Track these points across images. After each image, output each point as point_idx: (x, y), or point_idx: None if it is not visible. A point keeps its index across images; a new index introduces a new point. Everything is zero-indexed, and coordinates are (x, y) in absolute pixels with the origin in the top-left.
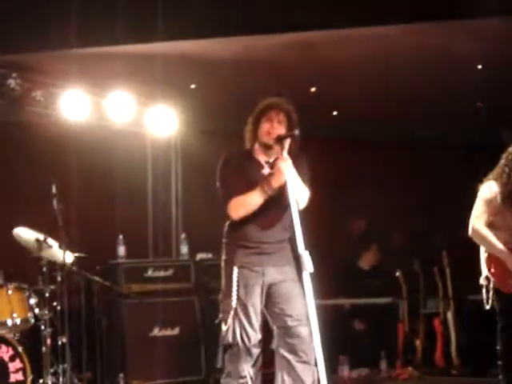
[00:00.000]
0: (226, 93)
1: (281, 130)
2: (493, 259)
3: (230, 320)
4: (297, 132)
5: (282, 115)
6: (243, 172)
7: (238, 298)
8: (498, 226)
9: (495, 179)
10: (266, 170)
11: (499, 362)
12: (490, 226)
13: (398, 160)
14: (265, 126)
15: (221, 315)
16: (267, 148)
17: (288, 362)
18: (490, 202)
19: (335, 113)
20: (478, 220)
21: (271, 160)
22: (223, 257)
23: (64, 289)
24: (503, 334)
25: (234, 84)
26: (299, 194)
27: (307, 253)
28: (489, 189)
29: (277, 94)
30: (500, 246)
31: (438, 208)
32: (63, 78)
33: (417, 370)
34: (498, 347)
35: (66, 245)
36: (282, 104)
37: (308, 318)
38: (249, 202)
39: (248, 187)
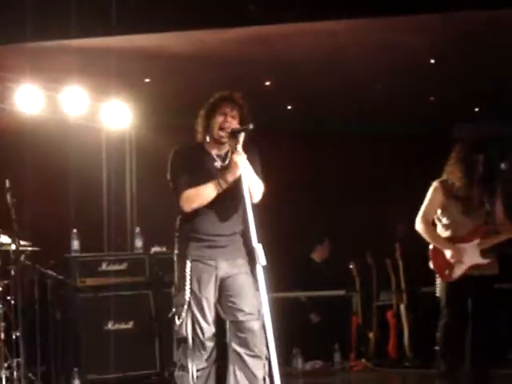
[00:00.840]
0: (180, 87)
1: (234, 123)
2: (433, 251)
3: (183, 314)
4: (251, 126)
5: (235, 109)
6: (194, 165)
7: (192, 291)
8: (444, 221)
9: (443, 177)
10: (218, 164)
11: (436, 348)
12: (438, 220)
13: (351, 151)
14: (218, 120)
15: (174, 309)
16: (220, 142)
17: (239, 355)
18: (434, 200)
19: (289, 107)
20: (422, 215)
21: (223, 153)
22: (176, 250)
23: (18, 283)
24: (441, 320)
25: (188, 78)
26: (254, 188)
27: (260, 246)
28: (433, 186)
29: (230, 89)
30: (440, 238)
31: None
32: (18, 72)
33: (370, 361)
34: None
35: (19, 239)
36: (235, 98)
37: (260, 312)
38: (202, 195)
39: (199, 180)
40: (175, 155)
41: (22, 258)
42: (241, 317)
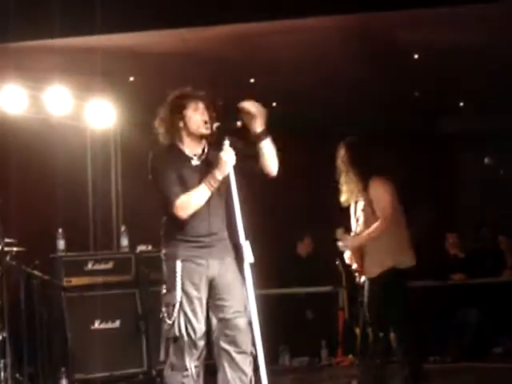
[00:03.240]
0: (165, 85)
1: (208, 116)
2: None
3: (175, 314)
4: (239, 123)
5: (201, 102)
6: (175, 169)
7: (183, 291)
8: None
9: None
10: (195, 162)
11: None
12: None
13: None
14: (195, 117)
15: (164, 309)
16: (200, 139)
17: (228, 353)
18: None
19: (274, 104)
20: None
21: (199, 151)
22: (164, 251)
23: (3, 284)
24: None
25: (171, 76)
26: (275, 162)
27: (248, 243)
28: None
29: (215, 86)
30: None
31: None
32: (1, 72)
33: (357, 357)
34: None
35: (3, 239)
36: (195, 92)
37: (247, 309)
38: (196, 200)
39: (182, 183)
40: (154, 162)
41: (8, 258)
42: (228, 314)
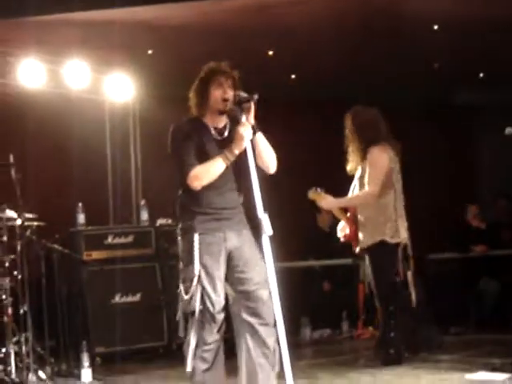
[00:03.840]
0: (183, 58)
1: (231, 94)
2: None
3: (192, 288)
4: (256, 96)
5: (229, 79)
6: (195, 140)
7: (202, 264)
8: None
9: None
10: (215, 137)
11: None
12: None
13: None
14: (217, 92)
15: (181, 283)
16: (220, 114)
17: (251, 325)
18: None
19: (293, 76)
20: None
21: (221, 126)
22: (180, 225)
23: (24, 258)
24: None
25: (190, 49)
26: (271, 157)
27: (266, 216)
28: None
29: (234, 59)
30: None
31: None
32: (20, 47)
33: (377, 330)
34: None
35: (23, 214)
36: (226, 68)
37: (267, 281)
38: (211, 171)
39: (201, 155)
40: (175, 132)
41: (28, 232)
42: (250, 286)
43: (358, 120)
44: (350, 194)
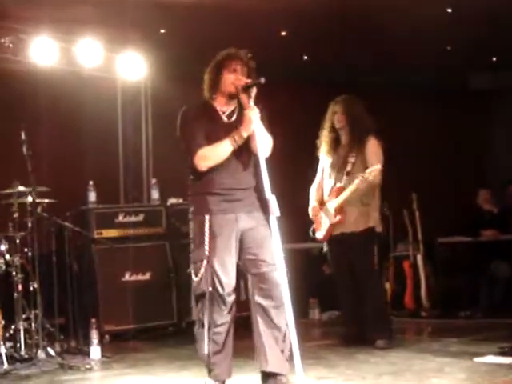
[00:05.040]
0: (196, 38)
1: (244, 80)
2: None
3: (202, 269)
4: (263, 80)
5: (244, 66)
6: (204, 123)
7: (212, 246)
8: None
9: None
10: (224, 120)
11: None
12: None
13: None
14: (229, 77)
15: (192, 265)
16: (230, 98)
17: (262, 307)
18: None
19: (306, 57)
20: None
21: (230, 110)
22: (191, 207)
23: (35, 235)
24: None
25: (203, 28)
26: (265, 143)
27: (274, 197)
28: None
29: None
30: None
31: None
32: (32, 25)
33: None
34: None
35: (36, 191)
36: (242, 55)
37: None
38: (218, 152)
39: (211, 138)
40: (184, 116)
41: (39, 209)
42: (264, 268)
43: (357, 109)
44: (328, 182)
